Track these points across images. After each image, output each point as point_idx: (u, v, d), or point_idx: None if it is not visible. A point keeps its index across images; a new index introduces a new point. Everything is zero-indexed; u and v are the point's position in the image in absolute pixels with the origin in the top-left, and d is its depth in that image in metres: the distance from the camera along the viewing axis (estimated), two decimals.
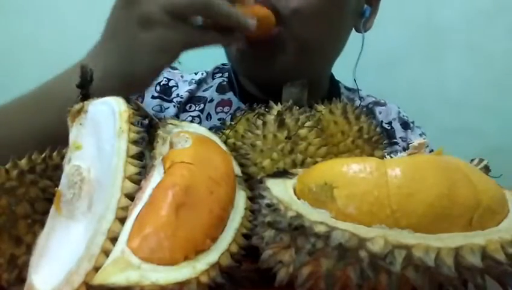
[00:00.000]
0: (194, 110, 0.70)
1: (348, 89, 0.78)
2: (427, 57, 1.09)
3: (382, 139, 0.38)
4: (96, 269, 0.23)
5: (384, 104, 0.78)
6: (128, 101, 0.32)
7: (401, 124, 0.76)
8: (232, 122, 0.40)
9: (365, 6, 0.66)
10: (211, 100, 0.71)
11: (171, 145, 0.31)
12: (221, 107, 0.70)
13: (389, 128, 0.75)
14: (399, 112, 0.77)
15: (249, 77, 0.68)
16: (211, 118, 0.69)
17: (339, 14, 0.61)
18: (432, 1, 1.09)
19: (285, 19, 0.55)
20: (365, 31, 0.66)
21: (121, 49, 0.43)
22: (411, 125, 0.76)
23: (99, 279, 0.22)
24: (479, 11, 1.06)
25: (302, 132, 0.34)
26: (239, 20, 0.46)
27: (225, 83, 0.72)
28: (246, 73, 0.67)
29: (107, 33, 0.46)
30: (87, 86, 0.32)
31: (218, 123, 0.67)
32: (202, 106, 0.70)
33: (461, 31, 1.07)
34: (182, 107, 0.70)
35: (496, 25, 1.06)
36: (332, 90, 0.73)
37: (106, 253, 0.24)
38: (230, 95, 0.70)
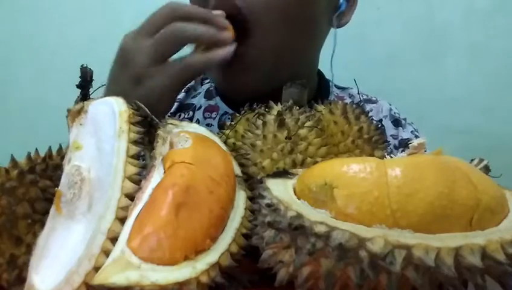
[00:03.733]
0: (184, 118, 0.71)
1: (339, 88, 0.77)
2: (427, 56, 1.09)
3: (382, 139, 0.38)
4: (96, 269, 0.23)
5: (375, 102, 0.77)
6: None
7: (392, 122, 0.75)
8: (232, 122, 0.40)
9: (341, 0, 0.63)
10: (199, 107, 0.72)
11: (171, 145, 0.31)
12: (208, 113, 0.70)
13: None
14: (390, 109, 0.76)
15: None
16: (199, 123, 0.69)
17: (309, 13, 0.58)
18: (432, 1, 1.09)
19: (248, 32, 0.53)
20: (340, 26, 0.64)
21: None
22: (402, 122, 0.75)
23: (99, 279, 0.22)
24: (478, 10, 1.06)
25: (302, 131, 0.34)
26: (216, 36, 0.49)
27: (212, 88, 0.73)
28: (227, 93, 0.67)
29: (108, 86, 0.50)
30: (87, 87, 0.32)
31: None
32: (191, 113, 0.71)
33: (461, 31, 1.07)
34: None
35: (496, 25, 1.06)
36: (321, 89, 0.73)
37: (106, 253, 0.24)
38: (217, 100, 0.71)
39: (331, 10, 0.62)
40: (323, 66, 0.73)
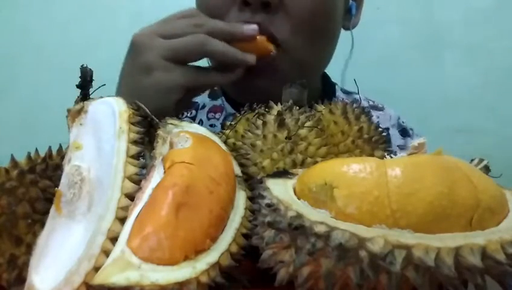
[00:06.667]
0: (186, 116, 0.70)
1: (345, 92, 0.76)
2: (427, 56, 1.09)
3: (382, 139, 0.38)
4: (96, 269, 0.23)
5: (382, 109, 0.75)
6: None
7: (399, 131, 0.73)
8: (232, 122, 0.40)
9: (350, 2, 0.64)
10: (203, 106, 0.71)
11: (171, 145, 0.31)
12: (212, 113, 0.70)
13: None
14: (398, 118, 0.75)
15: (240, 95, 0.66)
16: (202, 123, 0.69)
17: (332, 25, 0.60)
18: (432, 1, 1.09)
19: (282, 44, 0.53)
20: (352, 28, 0.65)
21: (130, 93, 0.46)
22: (410, 132, 0.74)
23: (99, 279, 0.22)
24: (479, 10, 1.06)
25: (302, 131, 0.34)
26: (236, 56, 0.48)
27: (217, 88, 0.72)
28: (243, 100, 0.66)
29: (120, 80, 0.51)
30: (87, 87, 0.32)
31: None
32: (194, 112, 0.70)
33: (461, 31, 1.07)
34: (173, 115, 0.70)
35: (495, 25, 1.06)
36: (326, 92, 0.72)
37: (106, 253, 0.24)
38: (222, 100, 0.70)
39: (344, 14, 0.63)
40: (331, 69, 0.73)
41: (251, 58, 0.49)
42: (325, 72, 0.73)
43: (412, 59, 1.09)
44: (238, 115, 0.41)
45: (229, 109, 0.69)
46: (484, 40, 1.06)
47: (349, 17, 0.64)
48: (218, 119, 0.69)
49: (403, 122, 0.75)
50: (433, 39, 1.09)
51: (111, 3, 1.14)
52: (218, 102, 0.70)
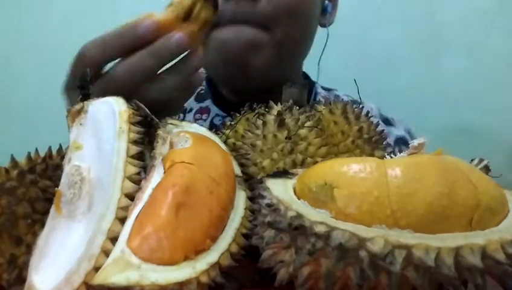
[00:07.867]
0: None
1: (325, 89, 0.79)
2: (427, 56, 1.09)
3: (382, 139, 0.38)
4: (96, 269, 0.23)
5: (361, 103, 0.78)
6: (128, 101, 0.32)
7: (382, 120, 0.76)
8: (232, 122, 0.40)
9: (326, 2, 0.68)
10: (190, 110, 0.73)
11: (171, 145, 0.31)
12: (199, 115, 0.72)
13: None
14: (379, 109, 0.78)
15: (226, 83, 0.69)
16: None
17: (312, 12, 0.64)
18: (432, 1, 1.09)
19: (267, 24, 0.56)
20: (328, 25, 0.70)
21: None
22: (392, 121, 0.77)
23: (99, 279, 0.22)
24: (478, 10, 1.06)
25: (302, 131, 0.34)
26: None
27: (203, 91, 0.75)
28: (224, 79, 0.68)
29: None
30: (87, 87, 0.32)
31: None
32: (182, 116, 0.72)
33: (461, 31, 1.07)
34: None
35: (495, 25, 1.06)
36: (308, 90, 0.75)
37: (106, 253, 0.24)
38: (208, 102, 0.73)
39: (319, 13, 0.68)
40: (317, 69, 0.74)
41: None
42: (305, 72, 0.77)
43: (412, 59, 1.09)
44: (237, 114, 0.41)
45: (215, 110, 0.71)
46: (484, 40, 1.06)
47: (325, 15, 0.69)
48: (205, 120, 0.71)
49: (382, 113, 0.78)
50: (433, 39, 1.08)
51: (111, 3, 1.14)
52: (205, 104, 0.73)
